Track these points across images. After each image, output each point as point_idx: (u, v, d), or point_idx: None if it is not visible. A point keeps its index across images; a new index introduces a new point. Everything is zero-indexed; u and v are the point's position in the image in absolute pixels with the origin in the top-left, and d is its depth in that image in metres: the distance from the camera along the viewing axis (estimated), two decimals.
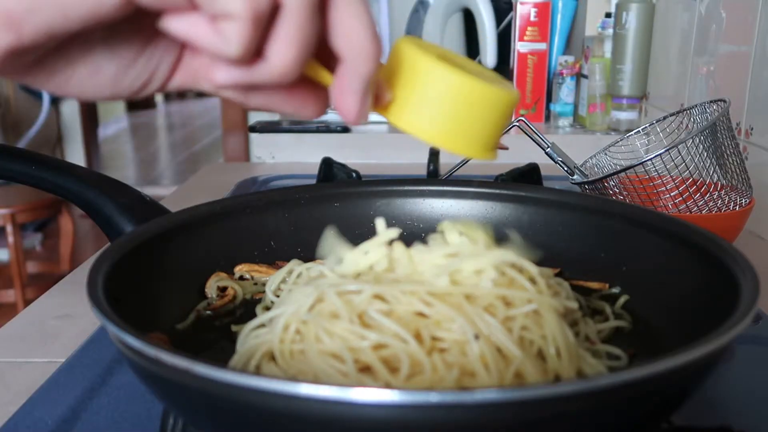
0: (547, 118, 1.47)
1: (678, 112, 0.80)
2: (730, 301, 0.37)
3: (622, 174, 0.69)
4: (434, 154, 0.96)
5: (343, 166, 0.91)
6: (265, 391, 0.29)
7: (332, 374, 0.36)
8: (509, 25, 1.71)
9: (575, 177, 0.79)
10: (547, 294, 0.40)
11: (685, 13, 1.11)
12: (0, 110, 3.73)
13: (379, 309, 0.38)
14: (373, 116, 0.34)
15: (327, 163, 0.92)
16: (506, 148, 0.53)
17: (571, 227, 0.56)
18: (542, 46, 1.43)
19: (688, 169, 0.68)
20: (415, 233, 0.58)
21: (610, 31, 1.33)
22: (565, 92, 1.40)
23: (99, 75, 0.32)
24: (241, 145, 3.63)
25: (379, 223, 0.44)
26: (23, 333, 0.58)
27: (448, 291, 0.38)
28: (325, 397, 0.28)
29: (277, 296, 0.50)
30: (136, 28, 0.31)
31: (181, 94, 8.73)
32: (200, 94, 8.77)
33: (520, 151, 1.09)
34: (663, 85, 1.22)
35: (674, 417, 0.39)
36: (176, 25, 0.29)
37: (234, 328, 0.47)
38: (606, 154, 0.82)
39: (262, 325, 0.42)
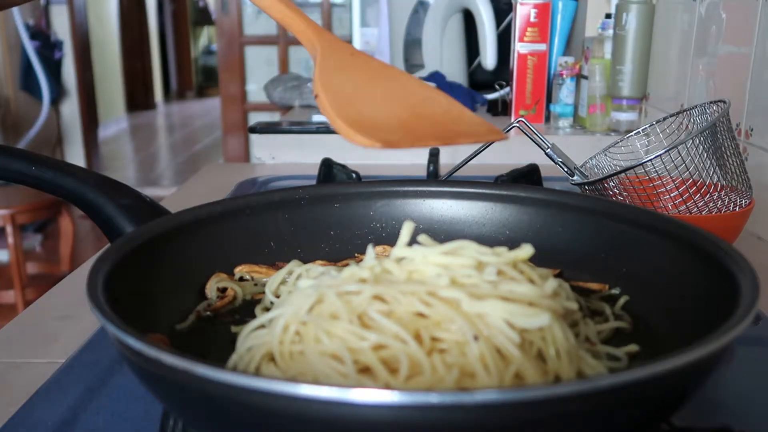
0: (547, 118, 1.47)
1: (678, 113, 0.80)
2: (730, 301, 0.37)
3: (622, 175, 0.69)
4: (434, 155, 0.96)
5: (343, 166, 0.91)
6: (264, 392, 0.29)
7: (332, 375, 0.36)
8: (509, 25, 1.71)
9: (575, 178, 0.79)
10: (547, 295, 0.40)
11: (685, 14, 1.11)
12: (0, 111, 3.73)
13: (378, 310, 0.38)
14: None
15: (327, 164, 0.92)
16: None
17: (571, 228, 0.56)
18: (542, 47, 1.43)
19: (688, 170, 0.68)
20: (415, 234, 0.58)
21: (610, 31, 1.33)
22: (565, 93, 1.40)
23: None
24: (240, 145, 3.64)
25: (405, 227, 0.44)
26: (23, 334, 0.58)
27: (449, 291, 0.38)
28: (325, 398, 0.28)
29: (277, 297, 0.50)
30: None
31: (181, 95, 8.73)
32: (201, 95, 8.78)
33: (520, 152, 1.09)
34: (663, 86, 1.22)
35: (674, 418, 0.39)
36: None
37: (234, 329, 0.47)
38: (606, 154, 0.82)
39: (262, 326, 0.42)
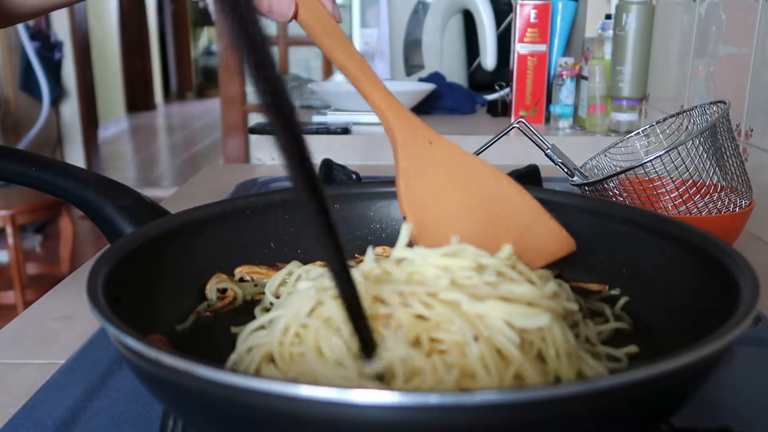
0: (547, 119, 1.47)
1: (678, 114, 0.80)
2: (730, 302, 0.37)
3: (622, 175, 0.69)
4: None
5: (343, 167, 0.91)
6: (265, 393, 0.29)
7: (332, 378, 0.36)
8: (509, 26, 1.71)
9: (575, 178, 0.79)
10: (547, 295, 0.40)
11: (685, 14, 1.11)
12: (0, 111, 3.73)
13: (378, 312, 0.38)
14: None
15: (327, 165, 0.92)
16: None
17: (571, 229, 0.55)
18: (542, 47, 1.43)
19: (687, 170, 0.68)
20: None
21: (610, 32, 1.33)
22: (565, 94, 1.40)
23: None
24: (240, 146, 3.64)
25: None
26: (23, 334, 0.58)
27: (449, 293, 0.38)
28: (325, 399, 0.28)
29: (277, 297, 0.50)
30: None
31: (181, 96, 8.73)
32: (201, 96, 8.78)
33: (519, 153, 1.09)
34: (663, 86, 1.22)
35: (674, 418, 0.39)
36: None
37: (234, 329, 0.47)
38: (606, 155, 0.82)
39: (262, 327, 0.42)
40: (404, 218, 0.49)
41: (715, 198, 0.69)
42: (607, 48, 1.35)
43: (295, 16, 0.52)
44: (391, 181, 0.61)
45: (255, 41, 0.22)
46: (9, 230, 2.48)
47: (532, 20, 1.41)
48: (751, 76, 0.87)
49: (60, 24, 4.26)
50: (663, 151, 0.67)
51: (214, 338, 0.47)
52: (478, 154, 0.85)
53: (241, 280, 0.54)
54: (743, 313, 0.35)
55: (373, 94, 0.51)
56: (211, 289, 0.52)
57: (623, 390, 0.29)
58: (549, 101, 1.46)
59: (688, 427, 0.39)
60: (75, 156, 4.37)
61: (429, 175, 0.51)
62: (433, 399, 0.27)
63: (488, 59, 1.63)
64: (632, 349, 0.44)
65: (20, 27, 3.79)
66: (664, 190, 0.71)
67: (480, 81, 1.81)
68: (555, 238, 0.52)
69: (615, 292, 0.52)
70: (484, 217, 0.51)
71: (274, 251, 0.57)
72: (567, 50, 1.57)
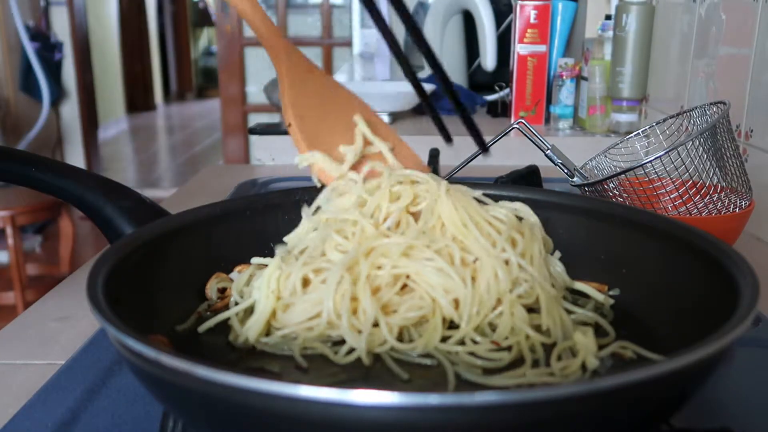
0: (547, 120, 1.47)
1: (678, 115, 0.80)
2: (730, 303, 0.37)
3: (622, 176, 0.69)
4: (434, 156, 0.96)
5: None
6: (265, 393, 0.29)
7: None
8: (509, 27, 1.71)
9: (575, 179, 0.79)
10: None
11: (685, 15, 1.11)
12: (0, 112, 3.73)
13: None
14: None
15: None
16: None
17: (571, 229, 0.55)
18: (542, 48, 1.43)
19: (687, 171, 0.68)
20: None
21: (610, 33, 1.33)
22: (565, 94, 1.40)
23: None
24: (240, 147, 3.64)
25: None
26: (23, 335, 0.58)
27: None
28: (325, 399, 0.28)
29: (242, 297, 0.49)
30: None
31: (181, 96, 8.73)
32: (201, 96, 8.77)
33: (519, 154, 1.09)
34: (663, 87, 1.22)
35: (674, 419, 0.39)
36: None
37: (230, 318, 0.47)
38: (606, 156, 0.82)
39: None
40: (288, 126, 0.56)
41: (715, 198, 0.69)
42: (607, 49, 1.35)
43: None
44: None
45: None
46: (9, 231, 2.48)
47: (532, 21, 1.41)
48: (751, 77, 0.87)
49: (60, 24, 4.26)
50: (663, 152, 0.67)
51: (215, 338, 0.47)
52: (478, 155, 0.85)
53: None
54: (743, 313, 0.35)
55: (257, 23, 0.54)
56: (211, 289, 0.52)
57: (623, 390, 0.29)
58: (549, 102, 1.46)
59: (688, 427, 0.39)
60: (75, 156, 4.37)
61: (310, 96, 0.56)
62: (433, 399, 0.27)
63: (488, 60, 1.63)
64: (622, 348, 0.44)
65: (20, 27, 3.79)
66: (664, 190, 0.71)
67: (480, 81, 1.81)
68: (415, 164, 0.58)
69: (614, 292, 0.52)
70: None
71: (273, 251, 0.57)
72: (567, 51, 1.57)
